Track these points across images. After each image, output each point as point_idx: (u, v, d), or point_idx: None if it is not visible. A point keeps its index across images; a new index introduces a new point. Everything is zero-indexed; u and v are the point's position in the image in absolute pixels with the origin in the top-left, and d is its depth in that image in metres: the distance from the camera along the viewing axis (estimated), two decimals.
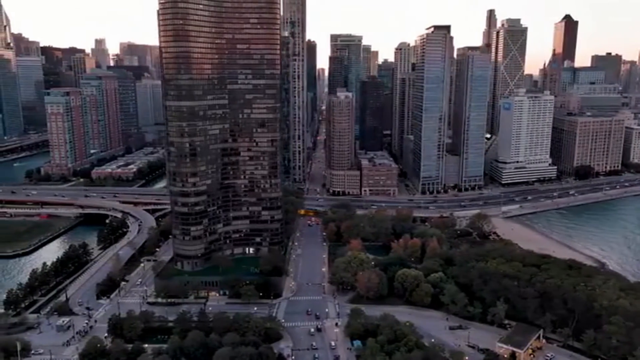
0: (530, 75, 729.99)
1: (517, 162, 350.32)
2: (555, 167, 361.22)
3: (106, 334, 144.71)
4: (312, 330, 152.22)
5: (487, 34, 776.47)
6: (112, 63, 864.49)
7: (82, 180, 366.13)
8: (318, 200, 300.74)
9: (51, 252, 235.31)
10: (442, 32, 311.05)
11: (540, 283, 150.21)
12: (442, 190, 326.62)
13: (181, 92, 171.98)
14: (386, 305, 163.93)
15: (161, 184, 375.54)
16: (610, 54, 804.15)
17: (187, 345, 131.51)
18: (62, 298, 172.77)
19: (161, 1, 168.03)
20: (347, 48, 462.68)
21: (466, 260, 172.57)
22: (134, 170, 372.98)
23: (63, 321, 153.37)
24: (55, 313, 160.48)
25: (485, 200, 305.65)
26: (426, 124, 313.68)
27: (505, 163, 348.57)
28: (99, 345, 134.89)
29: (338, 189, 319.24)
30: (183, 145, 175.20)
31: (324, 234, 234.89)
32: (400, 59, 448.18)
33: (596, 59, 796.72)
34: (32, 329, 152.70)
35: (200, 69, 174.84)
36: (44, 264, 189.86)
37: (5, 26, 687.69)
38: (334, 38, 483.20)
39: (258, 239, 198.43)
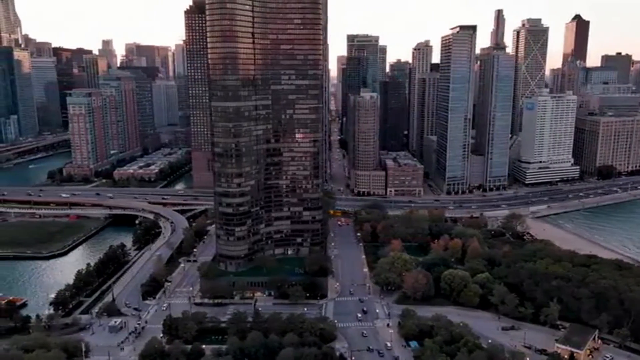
0: None
1: (540, 162, 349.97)
2: (578, 167, 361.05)
3: (161, 335, 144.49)
4: (360, 315, 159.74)
5: (496, 33, 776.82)
6: (118, 64, 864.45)
7: (104, 180, 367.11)
8: (346, 201, 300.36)
9: (85, 253, 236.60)
10: (468, 32, 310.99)
11: (593, 283, 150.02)
12: (467, 191, 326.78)
13: (227, 93, 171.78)
14: (434, 305, 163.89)
15: (182, 185, 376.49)
16: (620, 53, 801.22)
17: (247, 346, 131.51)
18: (108, 299, 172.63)
19: (209, 2, 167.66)
20: (364, 48, 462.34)
21: (513, 260, 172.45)
22: (156, 171, 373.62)
23: (115, 322, 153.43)
24: (105, 314, 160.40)
25: (526, 200, 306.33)
26: (452, 124, 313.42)
27: (528, 163, 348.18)
28: (156, 345, 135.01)
29: (363, 190, 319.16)
30: (229, 145, 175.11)
31: (358, 234, 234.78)
32: (419, 59, 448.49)
33: (606, 58, 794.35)
34: (84, 329, 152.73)
35: (246, 69, 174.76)
36: (88, 264, 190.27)
37: (17, 27, 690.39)
38: (350, 38, 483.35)
39: (299, 240, 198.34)
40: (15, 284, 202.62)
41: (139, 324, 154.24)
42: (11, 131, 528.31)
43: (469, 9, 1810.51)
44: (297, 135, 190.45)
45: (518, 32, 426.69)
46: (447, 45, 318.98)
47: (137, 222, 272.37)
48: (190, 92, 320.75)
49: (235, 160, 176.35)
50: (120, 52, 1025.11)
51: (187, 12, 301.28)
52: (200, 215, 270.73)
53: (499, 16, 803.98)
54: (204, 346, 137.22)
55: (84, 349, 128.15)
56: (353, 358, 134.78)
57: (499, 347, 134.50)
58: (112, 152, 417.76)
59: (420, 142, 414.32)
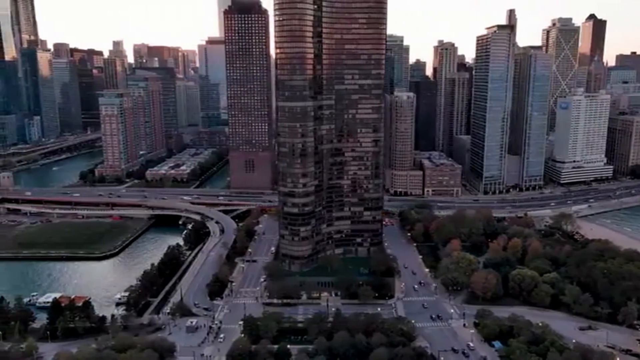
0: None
1: (574, 161, 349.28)
2: (611, 166, 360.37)
3: (242, 335, 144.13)
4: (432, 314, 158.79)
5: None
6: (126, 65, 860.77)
7: (136, 181, 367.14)
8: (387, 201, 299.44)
9: (134, 253, 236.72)
10: (506, 30, 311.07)
11: None
12: (503, 190, 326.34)
13: (295, 93, 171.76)
14: (503, 305, 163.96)
15: (213, 185, 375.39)
16: (635, 52, 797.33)
17: (336, 346, 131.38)
18: (175, 299, 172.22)
19: (277, 2, 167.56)
20: (390, 49, 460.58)
21: (582, 260, 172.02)
22: (187, 171, 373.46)
23: (191, 322, 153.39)
24: (177, 314, 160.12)
25: (567, 199, 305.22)
26: (490, 124, 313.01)
27: (563, 162, 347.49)
28: (241, 346, 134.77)
29: (400, 189, 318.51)
30: (295, 145, 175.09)
31: (408, 234, 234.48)
32: (445, 59, 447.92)
33: (621, 58, 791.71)
34: (160, 329, 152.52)
35: (313, 69, 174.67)
36: (152, 264, 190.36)
37: (36, 29, 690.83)
38: None
39: (359, 240, 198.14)
40: (71, 284, 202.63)
41: (215, 324, 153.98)
42: (34, 132, 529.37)
43: (478, 9, 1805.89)
44: (359, 135, 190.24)
45: (548, 32, 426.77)
46: (484, 44, 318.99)
47: (180, 222, 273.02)
48: (228, 92, 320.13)
49: (301, 160, 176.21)
50: (129, 52, 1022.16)
51: (226, 13, 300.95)
52: (243, 215, 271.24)
53: (511, 16, 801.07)
54: (289, 346, 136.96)
55: (178, 349, 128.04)
56: (442, 358, 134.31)
57: (586, 347, 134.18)
58: (141, 152, 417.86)
59: (448, 142, 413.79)
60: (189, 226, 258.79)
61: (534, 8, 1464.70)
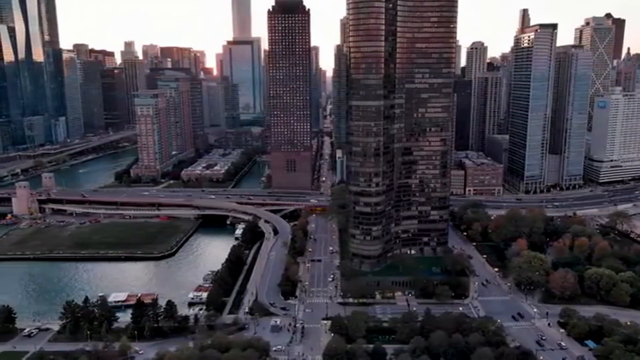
0: None
1: (612, 160, 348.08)
2: None
3: (331, 334, 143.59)
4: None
5: (521, 33, 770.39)
6: None
7: (171, 181, 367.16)
8: None
9: (188, 253, 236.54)
10: (548, 30, 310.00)
11: None
12: (544, 190, 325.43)
13: (369, 92, 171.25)
14: (582, 305, 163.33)
15: (246, 185, 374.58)
16: None
17: (434, 346, 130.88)
18: (248, 298, 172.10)
19: (352, 1, 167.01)
20: None
21: None
22: (222, 171, 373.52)
23: (275, 321, 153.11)
24: (257, 314, 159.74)
25: (613, 198, 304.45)
26: (532, 123, 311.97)
27: (601, 162, 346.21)
28: (334, 345, 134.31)
29: None
30: (369, 145, 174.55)
31: (464, 234, 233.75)
32: (475, 58, 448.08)
33: (636, 57, 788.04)
34: (244, 329, 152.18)
35: (386, 68, 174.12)
36: (223, 264, 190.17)
37: (57, 30, 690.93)
38: None
39: (425, 239, 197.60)
40: (134, 283, 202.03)
41: (300, 323, 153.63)
42: (60, 133, 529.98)
43: (481, 10, 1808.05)
44: (428, 134, 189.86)
45: (581, 31, 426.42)
46: (524, 43, 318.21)
47: (228, 222, 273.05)
48: (270, 92, 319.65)
49: (374, 159, 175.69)
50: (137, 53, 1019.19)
51: (270, 13, 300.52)
52: (291, 215, 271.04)
53: (524, 16, 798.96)
54: (383, 346, 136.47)
55: (274, 349, 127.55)
56: (541, 358, 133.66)
57: None
58: (173, 153, 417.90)
59: (481, 141, 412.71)
60: (238, 226, 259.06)
61: (537, 7, 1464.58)
